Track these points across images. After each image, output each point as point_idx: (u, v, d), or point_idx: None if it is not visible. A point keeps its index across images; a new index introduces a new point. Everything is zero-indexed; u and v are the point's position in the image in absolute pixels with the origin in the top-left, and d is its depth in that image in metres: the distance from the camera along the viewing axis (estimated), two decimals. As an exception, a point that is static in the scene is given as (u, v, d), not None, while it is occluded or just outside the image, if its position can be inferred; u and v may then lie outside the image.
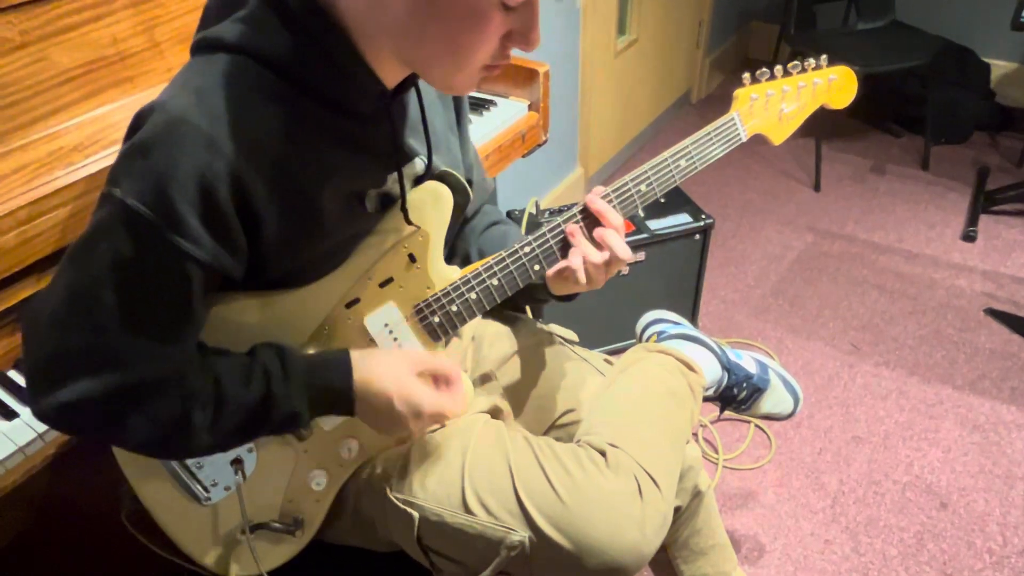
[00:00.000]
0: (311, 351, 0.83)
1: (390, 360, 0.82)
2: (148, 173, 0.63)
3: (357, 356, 0.80)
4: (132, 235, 0.64)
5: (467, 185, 0.88)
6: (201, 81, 0.67)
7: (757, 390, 1.20)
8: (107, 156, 0.96)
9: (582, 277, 0.87)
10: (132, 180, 0.64)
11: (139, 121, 0.66)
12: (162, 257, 0.65)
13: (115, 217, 0.64)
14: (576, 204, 0.89)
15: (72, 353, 0.66)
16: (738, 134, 0.95)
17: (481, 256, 1.01)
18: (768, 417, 1.25)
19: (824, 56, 0.99)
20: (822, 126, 2.77)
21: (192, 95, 0.65)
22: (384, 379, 0.80)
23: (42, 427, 0.88)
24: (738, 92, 0.95)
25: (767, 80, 0.96)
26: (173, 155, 0.63)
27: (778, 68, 0.96)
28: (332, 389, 0.79)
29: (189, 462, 0.85)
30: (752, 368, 1.20)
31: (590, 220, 0.88)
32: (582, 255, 0.86)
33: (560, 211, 1.84)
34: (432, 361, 0.84)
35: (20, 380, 0.93)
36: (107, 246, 0.65)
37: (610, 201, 0.89)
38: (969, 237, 2.44)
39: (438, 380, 0.84)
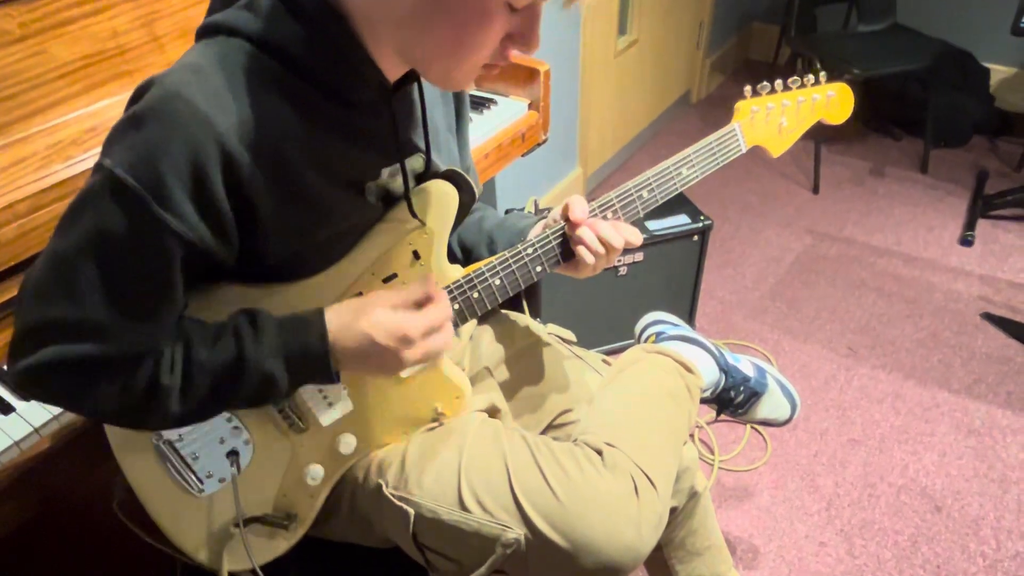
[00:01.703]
0: None
1: (361, 303, 0.79)
2: (139, 145, 0.63)
3: (331, 311, 0.78)
4: (118, 205, 0.64)
5: (473, 185, 0.88)
6: (201, 61, 0.67)
7: (754, 394, 1.20)
8: (106, 150, 0.96)
9: (589, 263, 0.90)
10: (123, 151, 0.64)
11: (138, 94, 0.66)
12: (145, 229, 0.65)
13: (103, 186, 0.64)
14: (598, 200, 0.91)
15: (50, 323, 0.67)
16: (739, 145, 0.97)
17: (460, 242, 1.03)
18: (765, 422, 1.25)
19: (823, 72, 1.02)
20: (822, 129, 2.75)
21: (191, 73, 0.65)
22: (358, 321, 0.77)
23: (38, 421, 0.88)
24: (739, 104, 0.98)
25: (768, 94, 0.99)
26: (166, 130, 0.63)
27: (778, 83, 0.99)
28: (308, 349, 0.76)
29: (184, 453, 0.85)
30: (750, 372, 1.20)
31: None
32: (592, 251, 0.89)
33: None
34: (406, 293, 0.80)
35: (16, 373, 0.93)
36: (92, 215, 0.65)
37: (612, 206, 0.91)
38: (967, 241, 2.44)
39: (421, 306, 0.81)
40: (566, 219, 0.89)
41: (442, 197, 0.84)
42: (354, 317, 0.77)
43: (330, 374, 0.79)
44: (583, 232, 0.88)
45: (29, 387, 0.71)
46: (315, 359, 0.77)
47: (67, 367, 0.68)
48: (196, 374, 0.73)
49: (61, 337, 0.67)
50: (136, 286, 0.68)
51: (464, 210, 0.88)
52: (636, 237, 0.91)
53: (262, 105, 0.68)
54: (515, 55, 0.73)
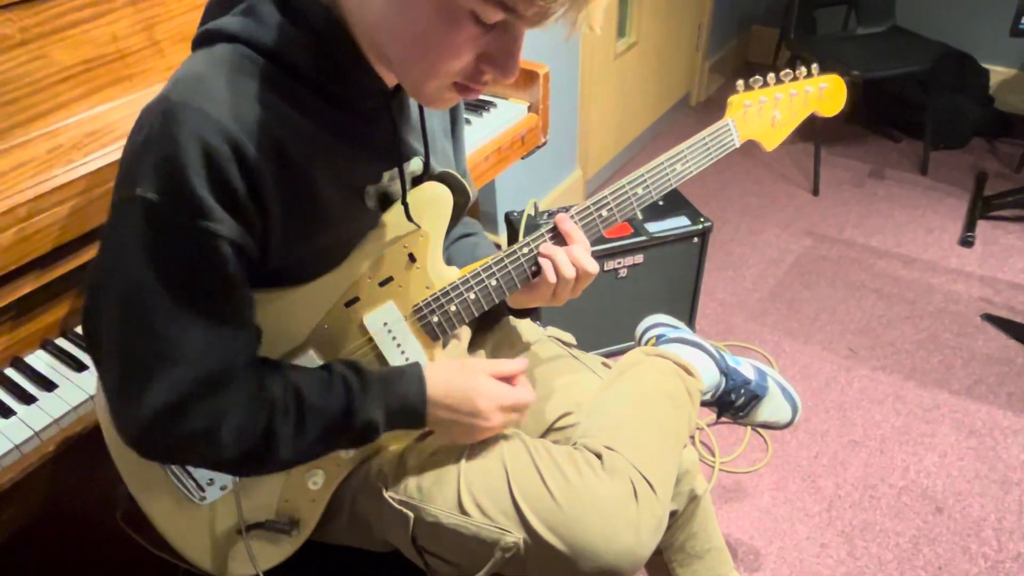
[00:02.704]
0: (316, 353, 0.83)
1: (462, 366, 0.87)
2: (160, 164, 0.63)
3: (431, 369, 0.84)
4: (159, 229, 0.64)
5: (467, 186, 0.88)
6: (202, 69, 0.67)
7: (755, 397, 1.20)
8: (106, 154, 0.96)
9: (550, 293, 0.90)
10: (147, 174, 0.64)
11: (145, 117, 0.66)
12: (194, 243, 0.65)
13: (139, 216, 0.64)
14: (547, 223, 0.90)
15: (138, 365, 0.67)
16: (732, 140, 0.96)
17: (448, 262, 1.02)
18: (765, 426, 1.25)
19: (815, 65, 1.01)
20: (821, 130, 2.78)
21: (193, 81, 0.65)
22: (460, 383, 0.85)
23: (39, 425, 0.88)
24: (732, 99, 0.97)
25: (760, 87, 0.98)
26: (177, 140, 0.63)
27: (771, 76, 0.98)
28: (407, 401, 0.82)
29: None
30: (750, 374, 1.20)
31: (559, 239, 0.90)
32: (557, 271, 0.88)
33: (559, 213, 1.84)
34: (499, 365, 0.89)
35: (16, 377, 0.93)
36: (139, 247, 0.65)
37: (607, 204, 0.90)
38: (967, 242, 2.44)
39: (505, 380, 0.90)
40: (553, 231, 0.90)
41: (437, 199, 0.84)
42: (457, 375, 0.85)
43: (423, 424, 0.85)
44: (555, 251, 0.88)
45: (153, 446, 0.72)
46: (412, 409, 0.83)
47: (177, 406, 0.68)
48: (308, 421, 0.76)
49: (155, 374, 0.67)
50: (206, 297, 0.68)
51: (459, 211, 0.88)
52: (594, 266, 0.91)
53: (267, 109, 0.68)
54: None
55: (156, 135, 0.63)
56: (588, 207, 0.90)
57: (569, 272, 0.88)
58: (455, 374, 0.85)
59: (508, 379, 0.90)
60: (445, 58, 0.66)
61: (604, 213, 0.91)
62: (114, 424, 0.70)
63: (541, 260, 0.89)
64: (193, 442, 0.71)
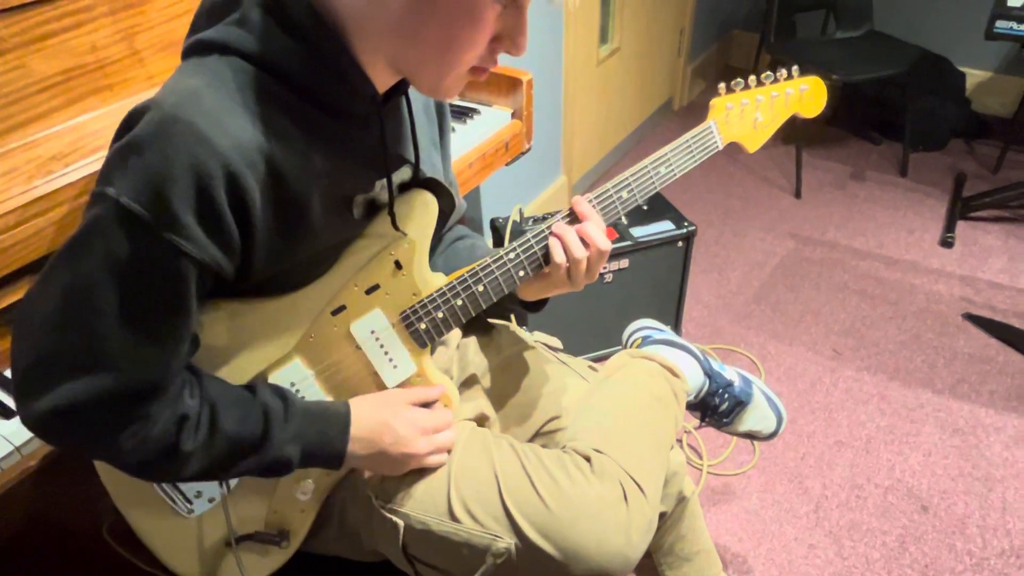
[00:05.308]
0: (307, 366, 0.82)
1: (381, 399, 0.87)
2: (142, 171, 0.62)
3: (355, 407, 0.84)
4: (127, 235, 0.63)
5: (452, 191, 0.88)
6: (194, 80, 0.66)
7: (739, 403, 1.20)
8: (87, 165, 0.95)
9: (564, 275, 0.88)
10: (126, 178, 0.63)
11: (132, 119, 0.65)
12: (158, 257, 0.64)
13: (109, 216, 0.63)
14: (561, 210, 0.90)
15: (65, 355, 0.66)
16: (715, 142, 0.97)
17: (446, 268, 1.02)
18: (750, 435, 1.24)
19: (796, 67, 1.02)
20: (802, 134, 2.80)
21: (185, 93, 0.65)
22: (378, 415, 0.84)
23: (19, 440, 0.87)
24: (714, 101, 0.98)
25: (742, 90, 0.99)
26: (167, 153, 0.62)
27: (752, 78, 0.99)
28: (327, 440, 0.81)
29: (172, 473, 0.84)
30: (735, 379, 1.21)
31: (574, 223, 0.89)
32: (567, 251, 0.87)
33: (544, 218, 1.85)
34: (417, 392, 0.89)
35: (-2, 392, 0.92)
36: (101, 246, 0.64)
37: (593, 207, 0.90)
38: (947, 243, 2.48)
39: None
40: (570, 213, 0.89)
41: (423, 206, 0.84)
42: (375, 408, 0.85)
43: (340, 466, 0.84)
44: (566, 230, 0.87)
45: (49, 431, 0.70)
46: (330, 452, 0.82)
47: (89, 406, 0.66)
48: (218, 443, 0.75)
49: (79, 370, 0.65)
50: (153, 313, 0.67)
51: (443, 218, 0.88)
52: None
53: (260, 123, 0.67)
54: (498, 64, 0.74)
55: (143, 141, 0.63)
56: (573, 212, 0.91)
57: (579, 251, 0.86)
58: (373, 408, 0.85)
59: (426, 406, 0.90)
60: (468, 52, 0.70)
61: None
62: (16, 396, 0.68)
63: (551, 240, 0.87)
64: (92, 442, 0.70)
